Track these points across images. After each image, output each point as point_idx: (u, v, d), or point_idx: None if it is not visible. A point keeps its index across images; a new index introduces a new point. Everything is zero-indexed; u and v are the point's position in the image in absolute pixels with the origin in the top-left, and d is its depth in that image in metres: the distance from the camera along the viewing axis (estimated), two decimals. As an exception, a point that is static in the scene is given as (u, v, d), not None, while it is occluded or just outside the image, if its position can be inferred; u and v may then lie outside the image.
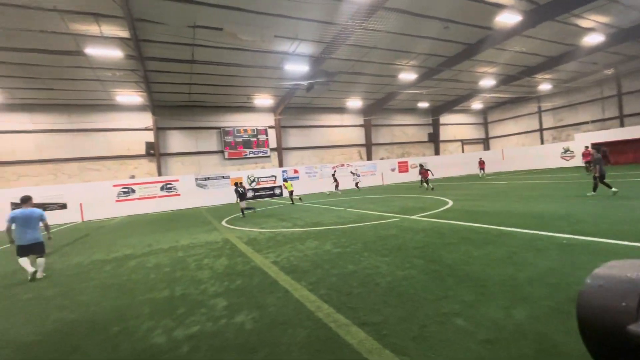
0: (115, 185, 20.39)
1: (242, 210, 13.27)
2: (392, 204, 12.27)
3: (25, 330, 3.65)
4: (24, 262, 5.88)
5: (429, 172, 17.27)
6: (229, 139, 24.62)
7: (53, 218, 18.44)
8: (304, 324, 3.09)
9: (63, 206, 19.11)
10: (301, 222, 9.95)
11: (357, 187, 23.56)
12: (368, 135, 30.21)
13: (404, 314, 3.07)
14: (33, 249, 5.97)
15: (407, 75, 21.89)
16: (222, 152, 24.84)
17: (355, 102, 27.68)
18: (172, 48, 15.03)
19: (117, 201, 20.24)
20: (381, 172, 28.80)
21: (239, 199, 13.29)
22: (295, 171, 25.52)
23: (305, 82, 19.36)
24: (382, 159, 30.91)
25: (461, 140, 36.86)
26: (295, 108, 26.50)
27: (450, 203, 10.88)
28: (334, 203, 15.02)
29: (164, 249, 7.68)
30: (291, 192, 17.15)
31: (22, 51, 13.79)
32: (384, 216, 9.42)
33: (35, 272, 5.86)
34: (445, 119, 34.74)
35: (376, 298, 3.53)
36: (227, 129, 24.64)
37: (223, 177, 23.05)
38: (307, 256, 5.67)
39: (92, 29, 12.70)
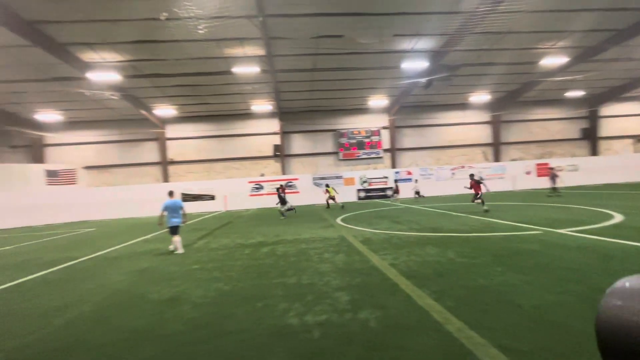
0: (249, 182, 23.97)
1: (282, 212, 14.60)
2: (529, 213, 10.43)
3: (196, 293, 4.66)
4: (176, 238, 7.78)
5: (482, 185, 12.20)
6: (343, 140, 25.64)
7: (206, 206, 23.08)
8: (431, 334, 2.93)
9: (212, 197, 23.61)
10: (417, 225, 9.51)
11: (418, 196, 21.28)
12: (496, 133, 26.55)
13: (560, 349, 2.56)
14: (175, 230, 7.78)
15: (554, 60, 18.22)
16: (336, 153, 26.09)
17: (480, 97, 24.75)
18: (297, 59, 16.64)
19: (250, 195, 23.75)
20: (512, 175, 24.85)
21: (279, 203, 14.73)
22: (409, 173, 24.59)
23: (423, 79, 18.42)
24: (513, 160, 26.65)
25: (635, 137, 28.27)
26: (410, 107, 25.54)
27: (619, 217, 8.49)
28: (451, 208, 13.80)
29: (288, 240, 8.58)
30: (332, 198, 17.75)
31: (190, 75, 17.70)
32: (518, 227, 8.09)
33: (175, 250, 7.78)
34: (608, 109, 27.36)
35: (519, 322, 3.06)
36: (341, 130, 25.72)
37: (337, 177, 24.17)
38: (427, 262, 5.38)
39: (238, 51, 15.26)
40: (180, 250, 7.80)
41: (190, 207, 22.63)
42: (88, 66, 15.27)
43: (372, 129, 25.84)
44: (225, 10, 11.56)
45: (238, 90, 20.55)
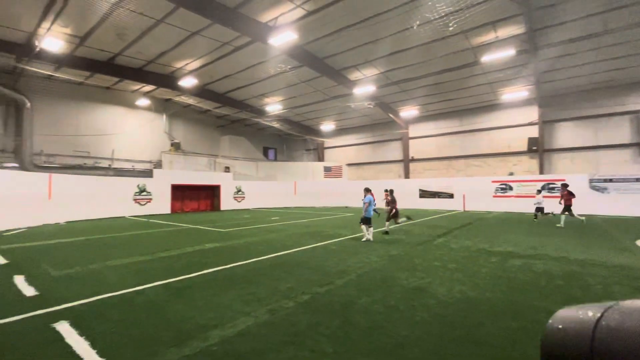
0: (493, 181, 21.36)
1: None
2: None
3: (440, 290, 4.74)
4: (364, 227, 9.25)
5: (572, 197, 10.39)
6: (654, 126, 17.30)
7: (443, 204, 22.84)
8: None
9: (450, 196, 22.99)
10: None
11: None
12: None
13: None
14: (369, 221, 9.23)
15: None
16: (636, 145, 18.08)
17: None
18: (576, 25, 12.85)
19: (494, 196, 21.14)
20: None
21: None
22: None
23: None
24: None
25: None
26: None
27: None
28: None
29: (551, 257, 6.92)
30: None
31: (434, 74, 17.93)
32: None
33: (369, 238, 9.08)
34: None
35: None
36: (650, 112, 17.46)
37: (637, 179, 16.75)
38: None
39: (489, 37, 13.82)
40: (367, 237, 9.15)
41: (427, 204, 23.41)
42: (354, 84, 19.06)
43: None
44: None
45: (486, 81, 18.70)
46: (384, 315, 3.83)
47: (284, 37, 12.47)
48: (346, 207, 25.03)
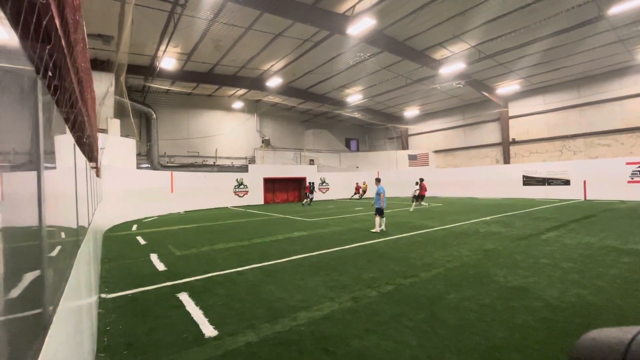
0: (628, 163, 17.17)
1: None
2: None
3: (549, 292, 4.10)
4: (377, 219, 9.02)
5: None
6: None
7: (555, 193, 19.48)
8: None
9: (566, 182, 19.40)
10: None
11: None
12: None
13: None
14: (382, 212, 9.04)
15: None
16: None
17: None
18: None
19: (629, 182, 17.02)
20: None
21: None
22: None
23: None
24: None
25: None
26: None
27: None
28: None
29: None
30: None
31: (542, 40, 15.18)
32: None
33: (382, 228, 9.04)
34: None
35: None
36: None
37: None
38: None
39: (618, -18, 11.01)
40: (379, 228, 9.00)
41: (533, 192, 20.28)
42: (440, 63, 17.57)
43: None
44: None
45: (615, 38, 15.02)
46: (477, 313, 3.52)
47: (362, 25, 12.25)
48: (434, 196, 23.52)
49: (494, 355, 2.70)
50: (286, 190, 24.91)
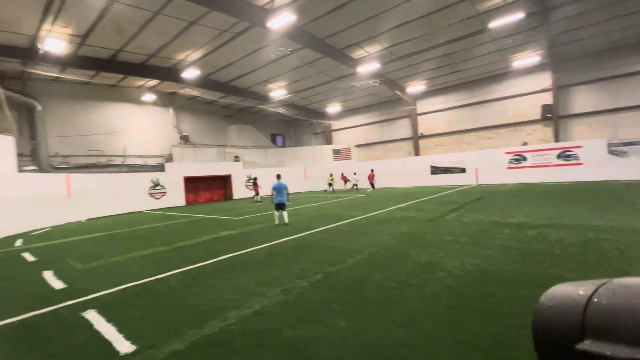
0: (507, 153, 20.88)
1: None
2: None
3: (452, 263, 4.78)
4: (276, 214, 9.57)
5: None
6: (677, 83, 16.43)
7: (456, 180, 22.58)
8: None
9: (463, 170, 22.64)
10: None
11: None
12: None
13: None
14: (281, 206, 9.52)
15: None
16: (659, 104, 17.26)
17: None
18: (586, -18, 12.12)
19: (507, 168, 20.72)
20: None
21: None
22: None
23: None
24: None
25: None
26: None
27: None
28: None
29: (566, 225, 6.82)
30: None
31: (440, 46, 17.31)
32: None
33: (282, 222, 9.47)
34: None
35: None
36: (673, 68, 16.55)
37: (658, 141, 16.07)
38: None
39: (496, 1, 13.17)
40: (285, 221, 9.47)
41: (439, 180, 23.17)
42: (357, 62, 18.62)
43: None
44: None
45: (495, 48, 17.98)
46: (396, 290, 3.91)
47: (282, 19, 12.21)
48: (357, 188, 25.03)
49: (411, 325, 3.04)
50: (210, 189, 23.57)
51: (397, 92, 24.29)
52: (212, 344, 2.92)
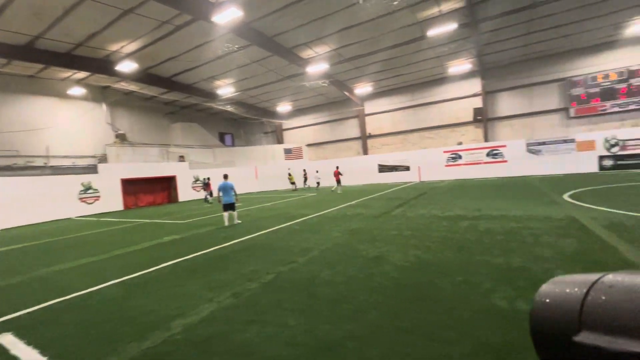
0: (445, 152, 22.69)
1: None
2: None
3: (396, 257, 5.08)
4: (225, 215, 9.46)
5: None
6: (578, 91, 19.35)
7: (401, 177, 23.92)
8: None
9: (407, 168, 24.09)
10: None
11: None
12: None
13: None
14: (229, 207, 9.48)
15: None
16: (564, 110, 20.15)
17: None
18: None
19: (446, 166, 22.53)
20: None
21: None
22: None
23: None
24: None
25: None
26: None
27: None
28: None
29: (493, 216, 7.65)
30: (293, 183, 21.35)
31: (385, 50, 18.21)
32: None
33: (233, 223, 9.49)
34: None
35: None
36: (575, 78, 19.43)
37: (564, 141, 18.75)
38: None
39: (433, 11, 14.23)
40: (236, 222, 9.58)
41: (386, 178, 24.36)
42: (307, 62, 18.76)
43: (633, 68, 17.93)
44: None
45: (433, 55, 19.41)
46: (345, 284, 4.04)
47: (228, 14, 11.82)
48: (308, 187, 25.23)
49: (358, 317, 3.17)
50: (152, 191, 21.93)
51: (346, 93, 24.98)
52: (154, 357, 2.75)
